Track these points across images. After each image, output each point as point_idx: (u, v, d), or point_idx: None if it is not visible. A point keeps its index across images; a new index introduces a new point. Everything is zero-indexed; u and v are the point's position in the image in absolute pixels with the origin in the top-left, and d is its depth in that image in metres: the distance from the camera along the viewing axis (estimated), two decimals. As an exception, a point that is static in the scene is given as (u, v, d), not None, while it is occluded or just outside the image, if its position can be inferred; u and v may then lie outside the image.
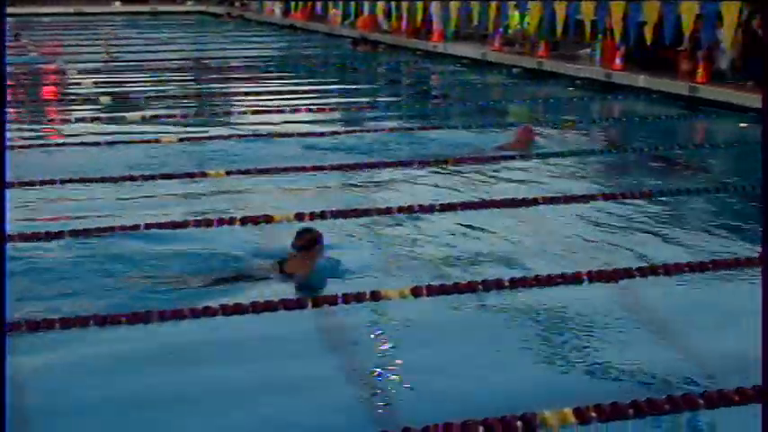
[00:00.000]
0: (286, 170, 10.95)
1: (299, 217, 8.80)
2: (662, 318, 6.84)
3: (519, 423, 4.92)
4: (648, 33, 19.01)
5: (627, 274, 7.43)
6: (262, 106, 16.36)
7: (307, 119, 15.18)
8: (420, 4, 27.58)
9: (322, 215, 8.90)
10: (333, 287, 7.10)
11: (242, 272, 7.47)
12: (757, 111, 15.55)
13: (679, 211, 9.71)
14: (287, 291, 7.03)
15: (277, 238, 8.07)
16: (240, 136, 13.55)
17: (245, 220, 8.73)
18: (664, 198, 10.07)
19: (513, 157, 11.91)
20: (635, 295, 7.26)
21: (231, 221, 8.72)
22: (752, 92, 16.45)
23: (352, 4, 32.80)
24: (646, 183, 10.90)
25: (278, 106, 16.31)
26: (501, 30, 24.42)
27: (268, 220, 8.78)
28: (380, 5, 30.55)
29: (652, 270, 7.47)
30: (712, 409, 5.18)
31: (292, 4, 38.18)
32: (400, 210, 9.23)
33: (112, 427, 5.23)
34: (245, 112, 15.94)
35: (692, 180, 11.10)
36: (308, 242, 7.36)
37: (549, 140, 13.37)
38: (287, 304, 6.67)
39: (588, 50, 21.99)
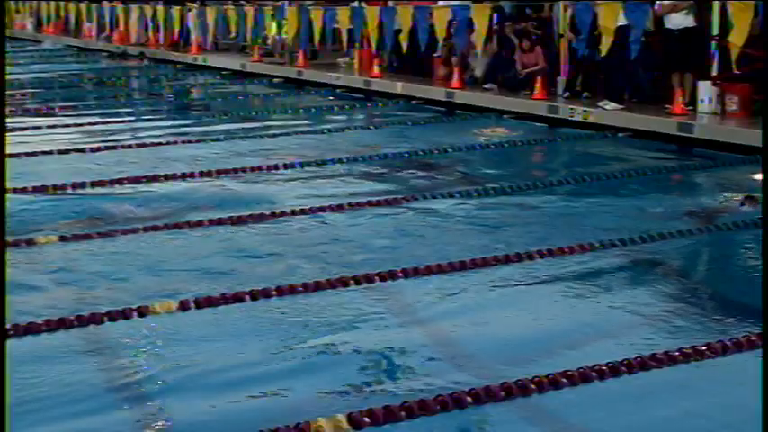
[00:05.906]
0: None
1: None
2: (418, 313, 6.97)
3: (294, 433, 4.91)
4: (404, 40, 19.39)
5: (391, 276, 7.58)
6: (19, 126, 15.73)
7: (65, 136, 14.72)
8: (177, 16, 27.27)
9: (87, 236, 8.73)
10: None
11: None
12: (511, 113, 16.18)
13: (443, 215, 9.88)
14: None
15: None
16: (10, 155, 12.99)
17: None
18: (426, 202, 10.29)
19: (275, 167, 11.94)
20: (398, 295, 7.38)
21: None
22: (501, 95, 17.11)
23: (107, 17, 32.06)
24: (408, 188, 11.09)
25: (35, 125, 15.77)
26: (260, 40, 24.46)
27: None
28: (134, 18, 29.98)
29: (415, 272, 7.66)
30: (481, 406, 5.32)
31: (44, 18, 37.13)
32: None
33: None
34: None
35: (453, 184, 11.37)
36: None
37: (315, 150, 13.43)
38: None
39: (347, 59, 22.30)
